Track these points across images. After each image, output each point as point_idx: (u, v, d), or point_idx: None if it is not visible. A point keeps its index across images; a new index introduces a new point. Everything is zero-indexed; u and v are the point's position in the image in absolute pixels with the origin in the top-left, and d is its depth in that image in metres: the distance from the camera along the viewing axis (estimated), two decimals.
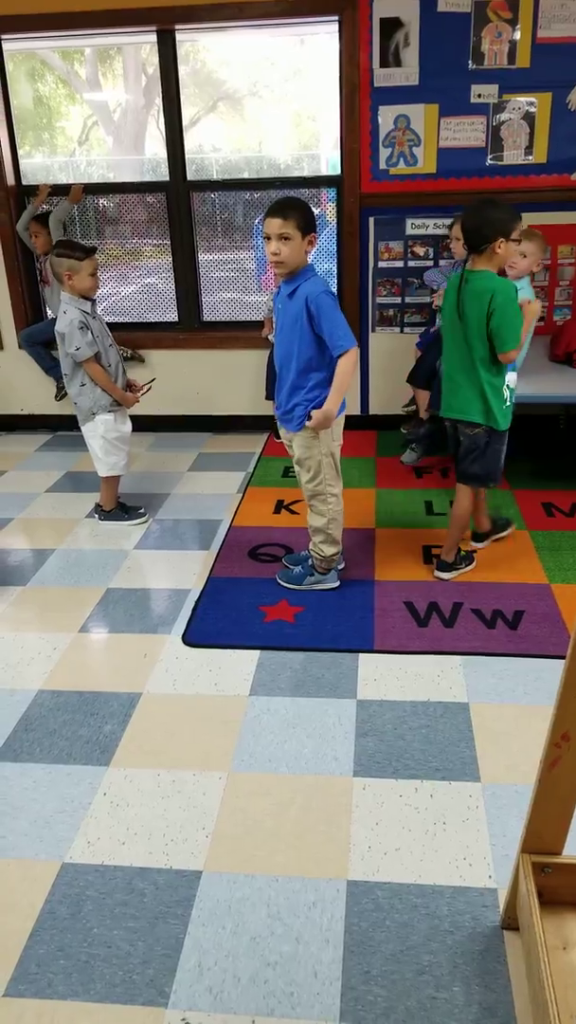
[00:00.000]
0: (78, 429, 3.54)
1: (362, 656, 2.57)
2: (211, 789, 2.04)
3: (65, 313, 3.28)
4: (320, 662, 2.55)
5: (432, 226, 4.25)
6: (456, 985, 1.54)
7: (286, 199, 2.55)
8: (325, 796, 2.00)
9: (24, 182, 4.63)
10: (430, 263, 4.32)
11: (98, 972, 1.58)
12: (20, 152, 4.61)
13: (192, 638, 2.71)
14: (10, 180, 4.52)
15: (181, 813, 1.97)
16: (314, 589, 2.94)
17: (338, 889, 1.75)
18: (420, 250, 4.33)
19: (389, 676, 2.47)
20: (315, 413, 2.62)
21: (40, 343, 4.63)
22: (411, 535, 3.38)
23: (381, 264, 4.39)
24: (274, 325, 2.78)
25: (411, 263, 4.37)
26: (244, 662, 2.56)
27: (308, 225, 2.51)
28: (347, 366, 2.59)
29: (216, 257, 5.02)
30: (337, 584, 2.96)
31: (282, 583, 2.98)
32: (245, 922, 1.68)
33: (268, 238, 2.49)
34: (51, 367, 4.63)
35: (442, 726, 2.24)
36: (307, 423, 2.65)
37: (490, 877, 1.77)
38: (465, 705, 2.32)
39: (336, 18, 4.03)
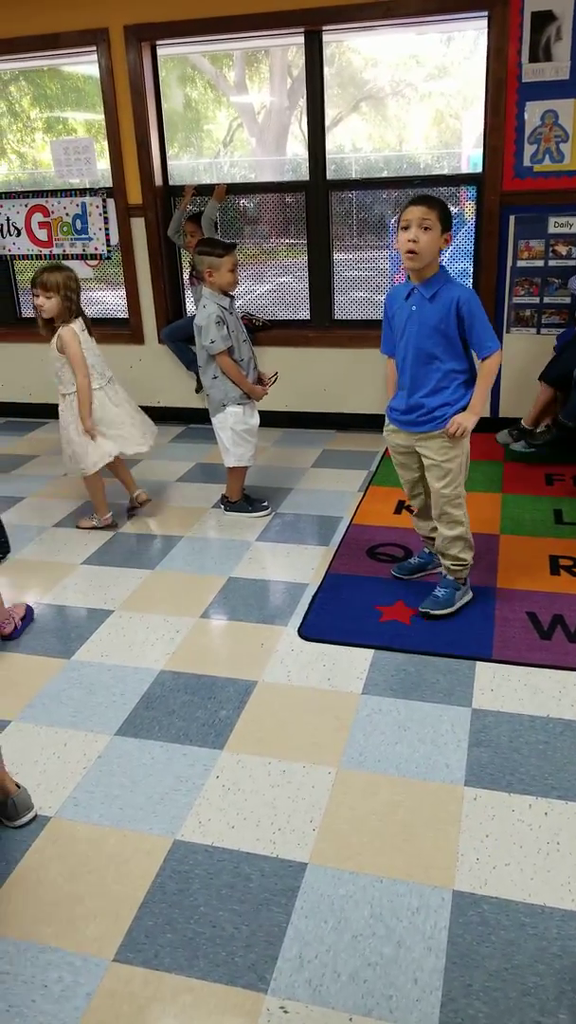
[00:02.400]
0: (209, 422, 3.64)
1: (479, 664, 2.51)
2: (320, 783, 2.05)
3: (205, 307, 3.38)
4: (435, 666, 2.52)
5: None
6: (563, 1012, 1.48)
7: (428, 194, 2.53)
8: (434, 802, 1.98)
9: (171, 183, 4.81)
10: (573, 262, 4.16)
11: (202, 950, 1.63)
12: (168, 154, 4.78)
13: (308, 632, 2.73)
14: (158, 181, 4.70)
15: (290, 803, 1.99)
16: (463, 604, 2.81)
17: (443, 898, 1.72)
18: (563, 249, 4.17)
19: (507, 687, 2.40)
20: (462, 418, 2.56)
21: (181, 339, 4.79)
22: (538, 544, 3.27)
23: (520, 263, 4.27)
24: (395, 326, 2.66)
25: (552, 262, 4.22)
26: (358, 660, 2.56)
27: (448, 221, 2.47)
28: (493, 367, 2.56)
29: (350, 256, 5.03)
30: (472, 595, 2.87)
31: (435, 612, 2.75)
32: (348, 919, 1.68)
33: (406, 227, 2.44)
34: (192, 361, 4.78)
35: (561, 744, 2.16)
36: (451, 429, 2.56)
37: None
38: None
39: (485, 13, 3.94)
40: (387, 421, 2.80)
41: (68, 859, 1.86)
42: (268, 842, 1.88)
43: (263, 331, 4.77)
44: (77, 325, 3.38)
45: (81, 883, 1.79)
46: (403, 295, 2.61)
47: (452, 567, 2.79)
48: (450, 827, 1.90)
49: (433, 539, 2.92)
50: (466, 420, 2.57)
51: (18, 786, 1.98)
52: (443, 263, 2.58)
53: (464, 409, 2.59)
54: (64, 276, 3.35)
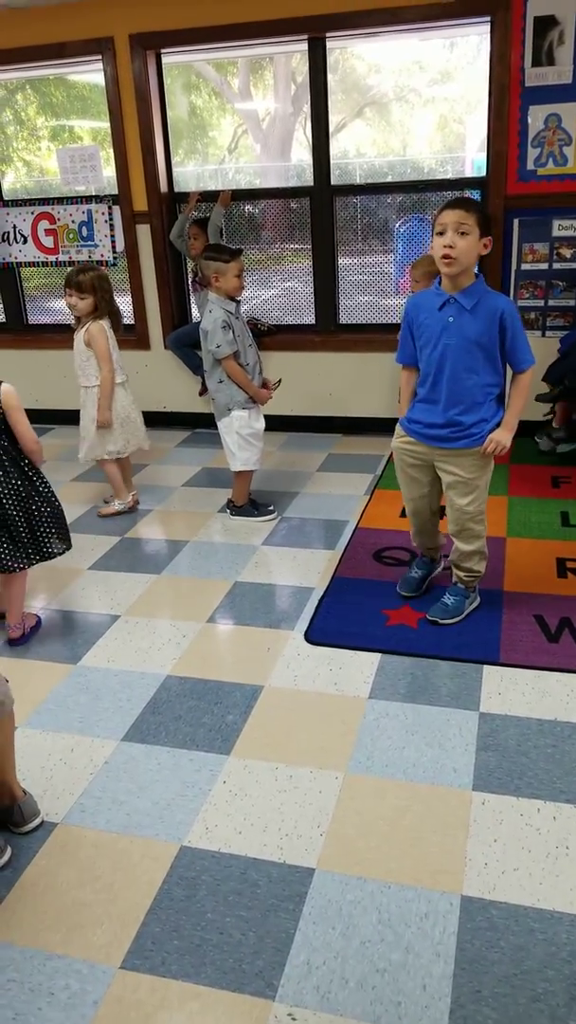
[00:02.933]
0: (215, 427, 3.65)
1: (486, 668, 2.50)
2: (327, 788, 2.04)
3: (211, 312, 3.39)
4: (442, 670, 2.51)
5: None
6: (573, 1019, 1.47)
7: (466, 196, 2.45)
8: (442, 807, 1.97)
9: (176, 189, 4.82)
10: None
11: (209, 957, 1.62)
12: (173, 161, 4.80)
13: (314, 636, 2.72)
14: (163, 188, 4.71)
15: (297, 809, 1.98)
16: (472, 610, 2.80)
17: (452, 903, 1.71)
18: (567, 252, 4.17)
19: (514, 691, 2.39)
20: (501, 436, 2.48)
21: (187, 345, 4.80)
22: (544, 547, 3.26)
23: (524, 266, 4.26)
24: (423, 336, 2.53)
25: (556, 265, 4.21)
26: (365, 664, 2.55)
27: (487, 225, 2.35)
28: (529, 382, 2.50)
29: (355, 261, 5.03)
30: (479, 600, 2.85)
31: (444, 621, 2.71)
32: (356, 925, 1.67)
33: (442, 232, 2.32)
34: (198, 366, 4.79)
35: (569, 747, 2.15)
36: (489, 448, 2.49)
37: None
38: None
39: (488, 19, 3.95)
40: (401, 432, 2.68)
41: (75, 865, 1.85)
42: (275, 848, 1.87)
43: (269, 336, 4.78)
44: (105, 323, 3.58)
45: (88, 889, 1.79)
46: (434, 305, 2.47)
47: (466, 578, 2.75)
48: (458, 832, 1.89)
49: (432, 551, 2.90)
50: (505, 438, 2.49)
51: (24, 792, 1.98)
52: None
53: (498, 425, 2.52)
54: (96, 276, 3.55)
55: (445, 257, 2.33)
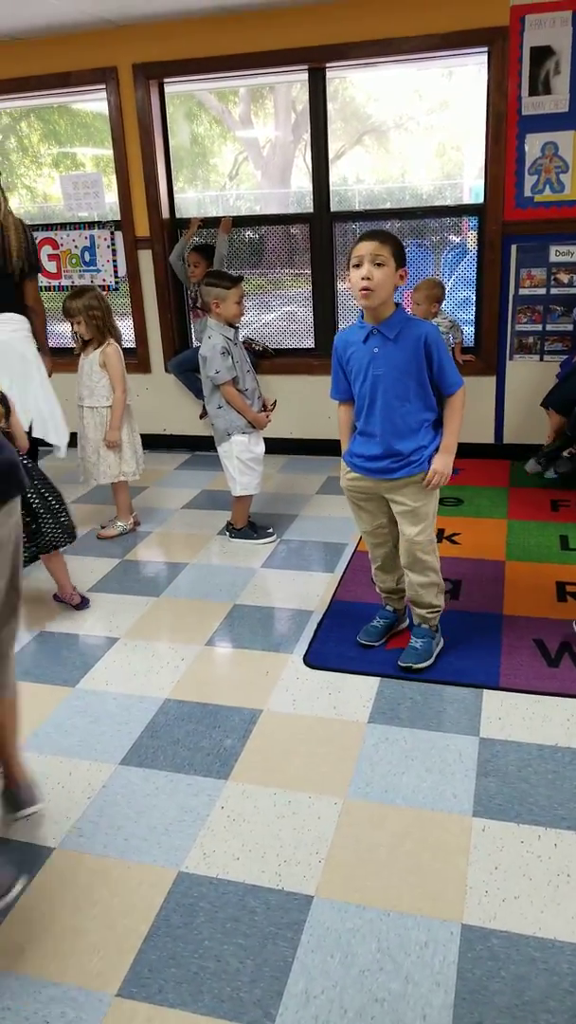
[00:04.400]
0: (215, 449, 3.67)
1: (486, 692, 2.50)
2: (326, 814, 2.03)
3: (210, 338, 3.42)
4: (442, 695, 2.50)
5: None
6: None
7: (379, 229, 2.42)
8: (442, 833, 1.95)
9: (177, 215, 4.88)
10: (575, 290, 4.20)
11: (207, 985, 1.60)
12: (175, 187, 4.86)
13: (313, 660, 2.72)
14: (165, 214, 4.77)
15: (295, 835, 1.97)
16: (438, 653, 2.72)
17: (452, 931, 1.69)
18: (564, 277, 4.22)
19: (515, 716, 2.38)
20: (442, 465, 2.46)
21: (189, 370, 4.82)
22: (544, 570, 3.26)
23: (522, 291, 4.31)
24: (352, 370, 2.50)
25: (554, 290, 4.26)
26: (364, 688, 2.54)
27: (401, 257, 2.34)
28: (461, 403, 2.48)
29: None
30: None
31: (418, 666, 2.61)
32: (355, 954, 1.65)
33: (358, 265, 2.30)
34: (200, 390, 4.80)
35: (570, 773, 2.13)
36: (433, 480, 2.47)
37: None
38: None
39: (485, 49, 4.02)
40: (346, 468, 2.65)
41: (71, 891, 1.84)
42: (274, 874, 1.86)
43: (267, 358, 4.81)
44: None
45: (85, 916, 1.77)
46: (359, 338, 2.44)
47: (427, 615, 2.66)
48: (458, 859, 1.88)
49: (396, 594, 2.81)
50: (445, 466, 2.47)
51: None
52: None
53: (437, 451, 2.49)
54: (85, 301, 3.54)
55: (363, 290, 2.31)
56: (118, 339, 3.71)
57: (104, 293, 4.99)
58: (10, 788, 2.02)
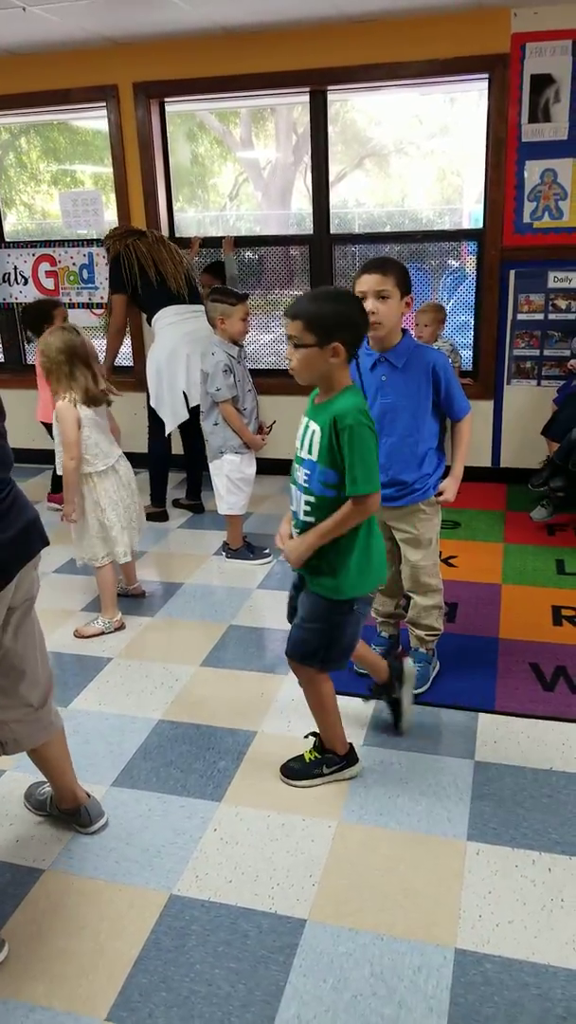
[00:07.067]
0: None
1: (481, 716, 2.49)
2: (320, 837, 2.02)
3: (213, 355, 3.43)
4: (437, 718, 2.49)
5: None
6: None
7: (383, 257, 2.40)
8: (436, 857, 1.94)
9: (177, 235, 4.91)
10: (573, 316, 4.24)
11: (197, 1010, 1.59)
12: (175, 207, 4.90)
13: None
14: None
15: (289, 858, 1.95)
16: (433, 677, 2.67)
17: (445, 956, 1.68)
18: (562, 303, 4.25)
19: (510, 739, 2.37)
20: (451, 493, 2.48)
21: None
22: (540, 594, 3.27)
23: (520, 316, 4.34)
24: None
25: (552, 316, 4.29)
26: (359, 710, 2.53)
27: (406, 285, 2.30)
28: (468, 428, 2.50)
29: None
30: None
31: (418, 691, 2.53)
32: (347, 978, 1.64)
33: (363, 297, 2.24)
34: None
35: (565, 797, 2.13)
36: (439, 498, 2.49)
37: None
38: None
39: (486, 76, 4.08)
40: None
41: (61, 914, 1.82)
42: (266, 897, 1.84)
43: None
44: (80, 395, 2.90)
45: (74, 939, 1.75)
46: (366, 365, 2.36)
47: (427, 637, 2.66)
48: (452, 883, 1.86)
49: (392, 618, 2.79)
50: (452, 492, 2.49)
51: (88, 795, 2.07)
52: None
53: (443, 476, 2.50)
54: (41, 345, 2.94)
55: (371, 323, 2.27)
56: (86, 390, 2.91)
57: (102, 311, 5.03)
58: (76, 808, 2.06)
